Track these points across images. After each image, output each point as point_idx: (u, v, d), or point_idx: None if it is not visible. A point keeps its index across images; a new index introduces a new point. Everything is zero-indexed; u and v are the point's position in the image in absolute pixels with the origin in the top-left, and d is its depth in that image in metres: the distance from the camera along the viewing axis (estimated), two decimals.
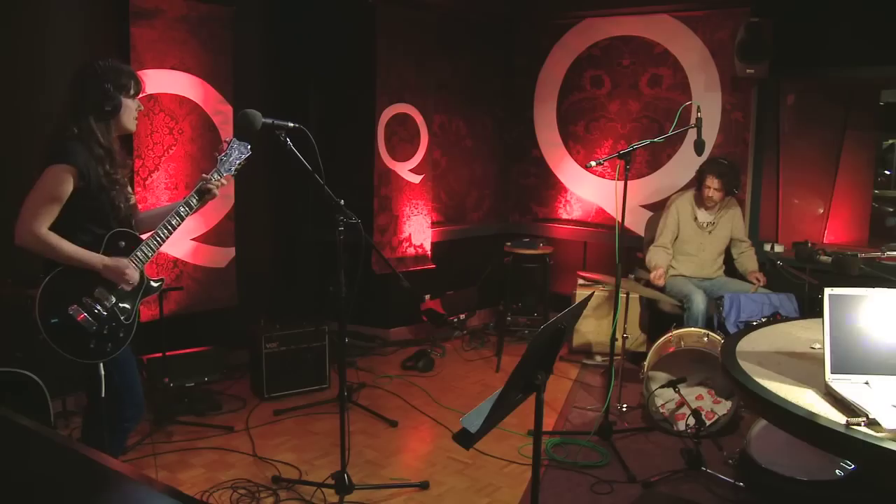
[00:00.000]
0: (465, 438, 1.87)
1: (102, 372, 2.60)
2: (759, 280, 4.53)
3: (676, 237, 4.70)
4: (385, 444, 3.78)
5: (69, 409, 3.74)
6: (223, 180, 2.76)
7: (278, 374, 4.29)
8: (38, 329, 2.46)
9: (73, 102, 2.54)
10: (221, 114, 4.43)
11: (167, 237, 2.67)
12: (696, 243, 4.65)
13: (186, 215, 2.68)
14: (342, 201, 2.94)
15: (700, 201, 4.64)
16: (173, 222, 2.66)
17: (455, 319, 5.56)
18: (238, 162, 2.79)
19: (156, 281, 2.78)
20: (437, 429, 3.99)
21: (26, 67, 3.67)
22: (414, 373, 4.84)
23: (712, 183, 4.49)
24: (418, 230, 5.52)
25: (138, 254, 2.63)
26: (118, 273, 2.57)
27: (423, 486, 3.28)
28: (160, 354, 3.92)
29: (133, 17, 3.96)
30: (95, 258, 2.54)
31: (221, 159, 2.76)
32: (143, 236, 2.68)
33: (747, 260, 4.72)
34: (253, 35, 4.87)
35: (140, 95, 2.68)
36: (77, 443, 1.42)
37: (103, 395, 2.60)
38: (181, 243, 4.32)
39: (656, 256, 4.64)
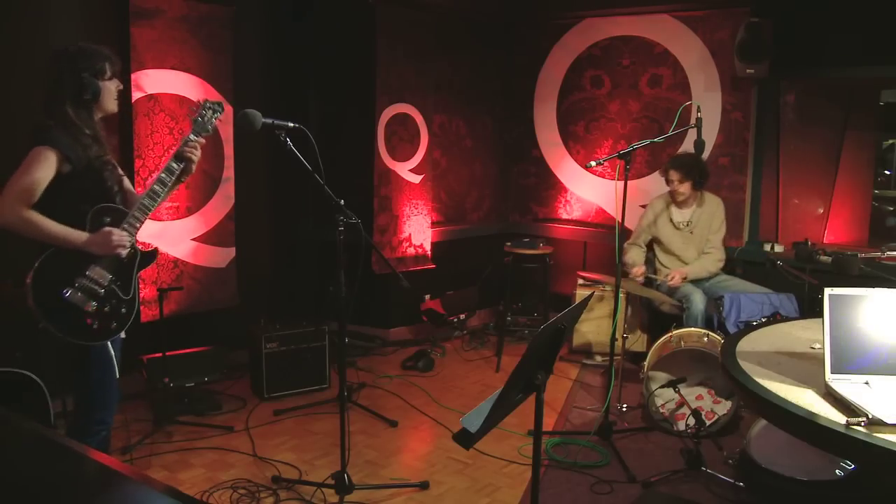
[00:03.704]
0: (465, 438, 1.87)
1: (112, 352, 2.55)
2: (671, 277, 4.42)
3: (654, 238, 4.74)
4: (385, 444, 3.78)
5: (69, 409, 3.73)
6: (200, 139, 2.72)
7: (278, 374, 4.29)
8: (36, 318, 2.41)
9: (51, 92, 2.51)
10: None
11: (153, 205, 2.61)
12: (678, 244, 4.65)
13: (169, 180, 2.63)
14: (342, 201, 2.94)
15: (672, 199, 4.64)
16: (156, 187, 2.61)
17: (455, 319, 5.56)
18: (213, 121, 2.76)
19: (148, 251, 2.70)
20: (437, 429, 3.99)
21: (26, 67, 3.66)
22: (414, 373, 4.84)
23: (673, 176, 4.50)
24: (418, 230, 5.52)
25: (125, 225, 2.55)
26: (105, 242, 2.49)
27: (423, 486, 3.28)
28: (160, 354, 3.92)
29: (133, 17, 3.96)
30: (76, 235, 2.46)
31: (196, 120, 2.73)
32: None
33: (699, 263, 4.56)
34: (253, 35, 4.87)
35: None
36: (77, 443, 1.41)
37: (118, 375, 2.58)
38: (181, 243, 4.32)
39: (631, 253, 4.74)
